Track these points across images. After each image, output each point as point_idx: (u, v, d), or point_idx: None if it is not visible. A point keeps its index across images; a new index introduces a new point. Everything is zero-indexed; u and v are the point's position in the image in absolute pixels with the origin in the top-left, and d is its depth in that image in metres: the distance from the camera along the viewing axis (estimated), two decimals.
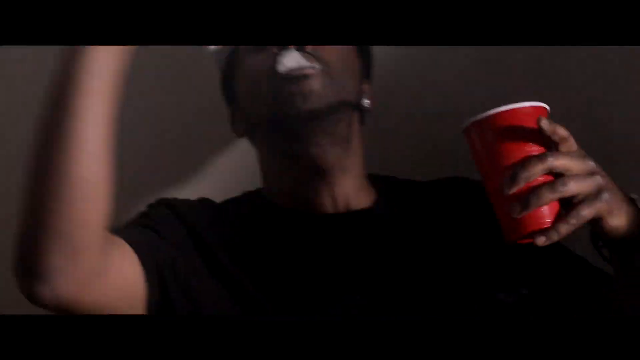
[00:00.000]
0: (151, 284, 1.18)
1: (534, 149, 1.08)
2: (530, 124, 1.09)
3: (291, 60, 1.31)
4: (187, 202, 1.33)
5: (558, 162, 1.06)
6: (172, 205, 1.30)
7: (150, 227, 1.24)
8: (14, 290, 1.07)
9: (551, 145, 1.09)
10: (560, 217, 1.07)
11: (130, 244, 1.17)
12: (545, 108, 1.11)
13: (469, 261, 1.29)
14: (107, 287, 1.10)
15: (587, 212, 1.07)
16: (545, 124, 1.07)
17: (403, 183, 1.43)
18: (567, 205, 1.08)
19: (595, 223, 1.09)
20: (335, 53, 1.35)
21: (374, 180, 1.41)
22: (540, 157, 1.06)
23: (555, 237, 1.06)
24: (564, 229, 1.06)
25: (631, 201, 1.12)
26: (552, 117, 1.10)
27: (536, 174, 1.06)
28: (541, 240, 1.06)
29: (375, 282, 1.26)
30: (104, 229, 1.09)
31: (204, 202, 1.36)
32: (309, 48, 1.33)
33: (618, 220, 1.09)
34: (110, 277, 1.10)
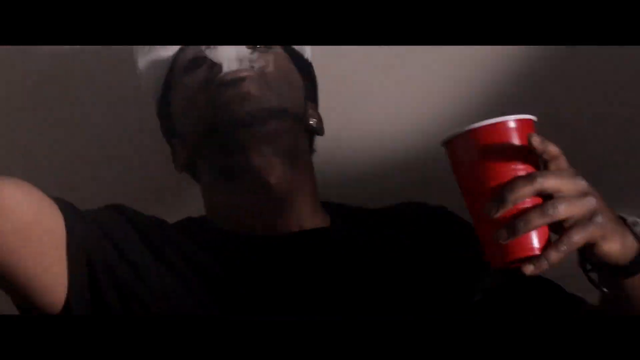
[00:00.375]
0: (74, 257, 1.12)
1: (521, 167, 0.99)
2: (518, 139, 0.99)
3: (227, 63, 1.26)
4: (137, 214, 1.24)
5: (548, 183, 0.97)
6: (122, 211, 1.22)
7: (95, 221, 1.18)
8: None
9: (539, 163, 1.01)
10: (550, 244, 0.98)
11: (63, 212, 1.13)
12: (533, 120, 1.02)
13: (427, 281, 1.20)
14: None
15: (579, 238, 0.98)
16: (536, 141, 0.99)
17: (357, 209, 1.34)
18: (558, 229, 0.99)
19: (587, 247, 1.00)
20: (272, 61, 1.29)
21: (327, 206, 1.32)
22: (529, 178, 0.97)
23: (544, 265, 0.97)
24: (554, 256, 0.97)
25: (624, 222, 1.03)
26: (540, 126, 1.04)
27: (524, 196, 0.97)
28: (529, 269, 0.97)
29: (335, 304, 1.16)
30: None
31: (156, 219, 1.26)
32: (244, 55, 1.27)
33: (611, 244, 1.00)
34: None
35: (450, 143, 1.01)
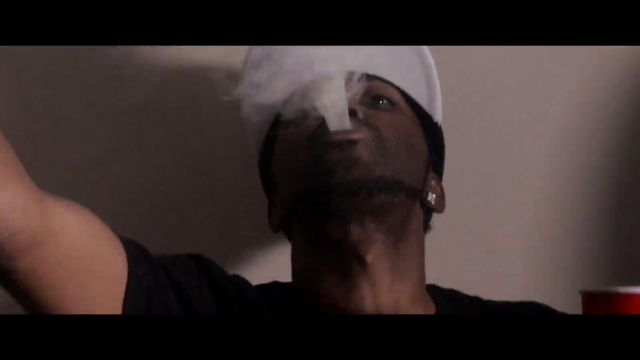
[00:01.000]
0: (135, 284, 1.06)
1: None
2: None
3: (337, 121, 1.11)
4: (218, 268, 1.16)
5: None
6: (201, 263, 1.14)
7: (165, 267, 1.10)
8: None
9: None
10: None
11: (125, 244, 1.07)
12: None
13: None
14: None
15: None
16: None
17: (470, 300, 1.21)
18: None
19: None
20: (391, 122, 1.15)
21: (436, 292, 1.19)
22: None
23: None
24: None
25: None
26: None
27: None
28: None
29: None
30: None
31: (239, 279, 1.18)
32: (360, 114, 1.13)
33: None
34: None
35: (590, 297, 0.97)
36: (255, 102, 1.17)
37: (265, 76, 1.16)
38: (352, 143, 1.11)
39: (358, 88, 1.16)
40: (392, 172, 1.12)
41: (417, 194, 1.17)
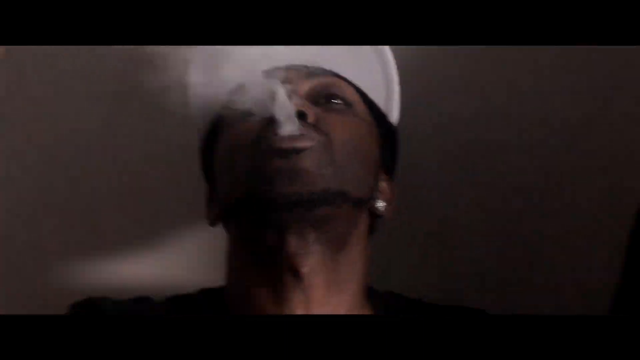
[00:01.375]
0: None
1: None
2: None
3: (284, 125, 1.03)
4: (117, 304, 1.10)
5: None
6: (97, 306, 1.07)
7: None
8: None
9: None
10: None
11: None
12: None
13: None
14: None
15: None
16: None
17: (409, 303, 1.14)
18: None
19: None
20: (343, 127, 1.07)
21: (374, 297, 1.12)
22: None
23: None
24: None
25: None
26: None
27: None
28: None
29: None
30: None
31: (141, 302, 1.12)
32: (310, 117, 1.05)
33: None
34: None
35: None
36: (205, 79, 1.10)
37: (212, 71, 1.08)
38: (298, 151, 1.02)
39: (312, 84, 1.10)
40: (339, 183, 1.04)
41: (364, 203, 1.08)
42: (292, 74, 1.09)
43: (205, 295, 1.13)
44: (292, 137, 1.03)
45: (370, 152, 1.10)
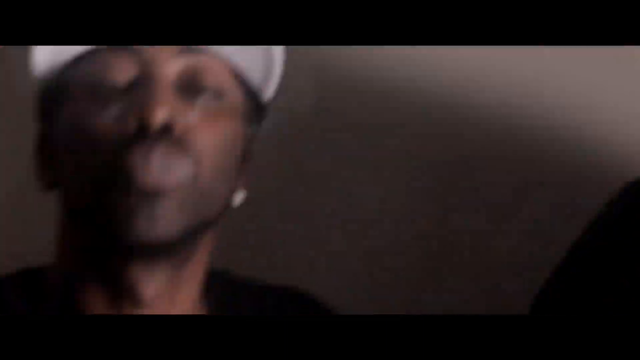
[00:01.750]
0: None
1: None
2: None
3: (140, 167, 0.88)
4: None
5: None
6: None
7: None
8: None
9: None
10: None
11: None
12: None
13: None
14: None
15: None
16: None
17: (240, 286, 1.05)
18: None
19: None
20: (211, 135, 0.93)
21: (211, 279, 1.01)
22: None
23: None
24: None
25: None
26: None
27: None
28: None
29: None
30: None
31: None
32: (175, 130, 0.90)
33: None
34: None
35: None
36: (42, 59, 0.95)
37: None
38: (158, 196, 0.89)
39: (180, 66, 0.94)
40: (201, 216, 0.92)
41: (220, 217, 0.97)
42: (156, 50, 0.94)
43: (25, 277, 1.00)
44: (154, 172, 0.89)
45: (237, 153, 0.97)
